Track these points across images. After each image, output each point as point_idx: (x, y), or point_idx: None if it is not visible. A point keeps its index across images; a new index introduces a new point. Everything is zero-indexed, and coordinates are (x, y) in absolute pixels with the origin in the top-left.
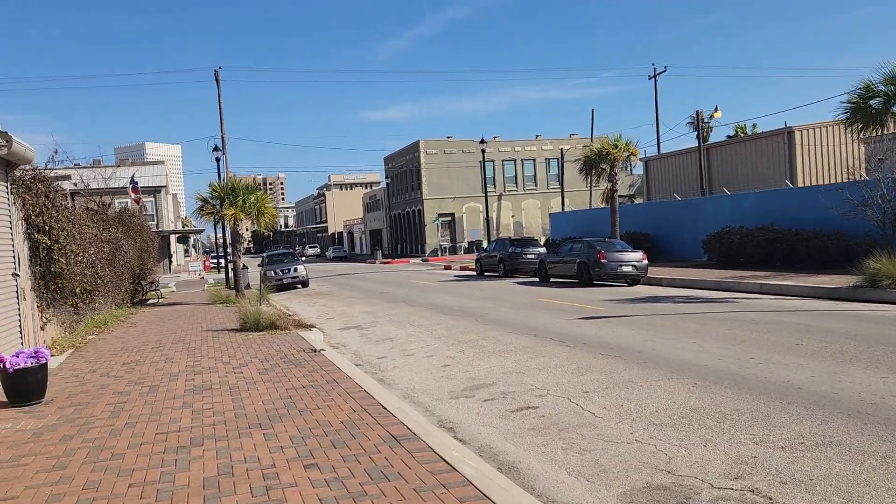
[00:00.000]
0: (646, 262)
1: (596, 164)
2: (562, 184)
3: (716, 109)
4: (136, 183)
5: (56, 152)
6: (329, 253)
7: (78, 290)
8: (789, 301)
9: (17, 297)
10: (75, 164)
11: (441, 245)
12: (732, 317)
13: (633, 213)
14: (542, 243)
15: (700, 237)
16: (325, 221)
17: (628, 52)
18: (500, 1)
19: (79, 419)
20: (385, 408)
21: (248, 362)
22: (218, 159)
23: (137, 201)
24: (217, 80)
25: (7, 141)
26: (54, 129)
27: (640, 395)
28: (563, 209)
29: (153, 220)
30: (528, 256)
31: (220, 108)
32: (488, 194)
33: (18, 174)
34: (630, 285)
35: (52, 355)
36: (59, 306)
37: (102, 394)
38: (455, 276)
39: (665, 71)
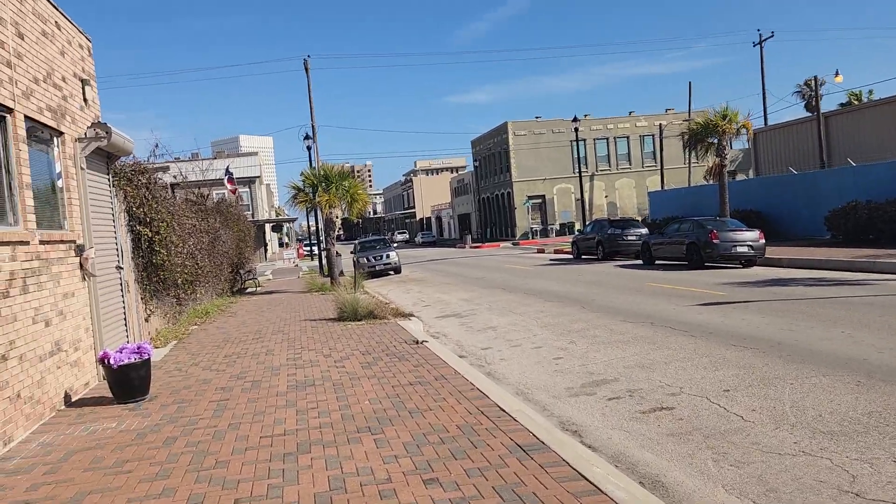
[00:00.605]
0: (763, 241)
1: (702, 138)
2: (661, 161)
3: (836, 74)
4: (232, 174)
5: (157, 146)
6: (418, 238)
7: (179, 281)
8: None
9: (122, 290)
10: (175, 158)
11: (531, 228)
12: (879, 301)
13: (741, 190)
14: (642, 224)
15: (820, 213)
16: (413, 207)
17: (723, 21)
18: None
19: (182, 418)
20: (503, 409)
21: (350, 355)
22: (309, 148)
23: (234, 191)
24: (306, 69)
25: (106, 132)
26: (154, 126)
27: (793, 394)
28: (662, 187)
29: (249, 210)
30: (629, 238)
31: (309, 97)
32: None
33: (119, 166)
34: (745, 267)
35: (156, 347)
36: (161, 297)
37: (205, 389)
38: (550, 259)
39: (772, 36)
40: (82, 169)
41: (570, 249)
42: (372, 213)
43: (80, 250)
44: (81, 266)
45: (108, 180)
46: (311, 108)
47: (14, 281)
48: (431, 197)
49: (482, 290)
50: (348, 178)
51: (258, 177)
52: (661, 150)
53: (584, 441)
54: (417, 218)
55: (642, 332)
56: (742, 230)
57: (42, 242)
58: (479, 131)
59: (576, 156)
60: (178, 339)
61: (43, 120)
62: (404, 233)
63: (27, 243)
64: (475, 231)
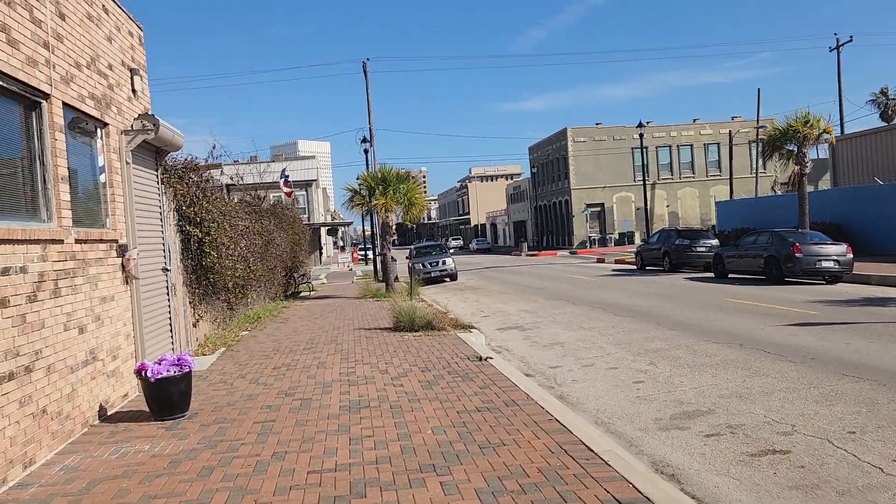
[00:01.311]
0: (850, 256)
1: (780, 145)
2: (730, 170)
3: None
4: (287, 176)
5: (214, 147)
6: (472, 245)
7: (230, 285)
8: None
9: (168, 294)
10: (234, 161)
11: (589, 237)
12: None
13: (819, 201)
14: (711, 234)
15: None
16: (468, 213)
17: (783, 30)
18: None
19: (222, 442)
20: (590, 449)
21: (408, 371)
22: (366, 151)
23: (289, 194)
24: (365, 72)
25: (154, 125)
26: (214, 131)
27: None
28: (730, 197)
29: (305, 213)
30: (699, 249)
31: (367, 100)
32: (639, 183)
33: (170, 163)
34: (830, 283)
35: (202, 354)
36: (211, 301)
37: (250, 407)
38: (613, 269)
39: (851, 41)
40: (128, 163)
41: (634, 260)
42: (426, 218)
43: (122, 250)
44: (123, 267)
45: (157, 177)
46: (368, 111)
47: (43, 283)
48: (486, 203)
49: (544, 300)
50: (406, 181)
51: (315, 180)
52: (731, 158)
53: (684, 489)
54: (472, 224)
55: (732, 355)
56: (827, 244)
57: (78, 241)
58: (534, 139)
59: (638, 163)
60: (226, 346)
61: (85, 109)
62: (458, 239)
63: (61, 242)
64: (531, 238)
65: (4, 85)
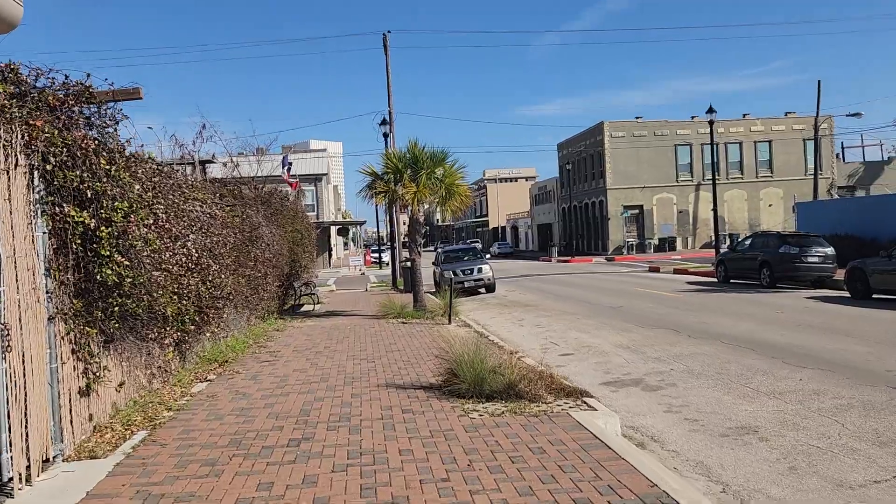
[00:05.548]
0: None
1: None
2: (816, 167)
3: None
4: (290, 164)
5: (204, 127)
6: (493, 249)
7: (169, 313)
8: None
9: None
10: (240, 153)
11: (627, 242)
12: None
13: None
14: (826, 242)
15: None
16: (486, 215)
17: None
18: None
19: None
20: None
21: None
22: (385, 136)
23: (294, 185)
24: (385, 47)
25: None
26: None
27: None
28: (814, 198)
29: (313, 211)
30: (810, 260)
31: (387, 77)
32: (682, 183)
33: (25, 78)
34: None
35: (91, 454)
36: (128, 344)
37: None
38: (688, 282)
39: None
40: None
41: (705, 270)
42: (440, 220)
43: None
44: None
45: None
46: (388, 91)
47: None
48: (506, 205)
49: (639, 328)
50: (443, 163)
51: (325, 174)
52: (817, 152)
53: None
54: (491, 227)
55: None
56: None
57: None
58: (551, 144)
59: (683, 162)
60: (151, 427)
61: None
62: (477, 242)
63: None
64: (558, 243)
65: None
